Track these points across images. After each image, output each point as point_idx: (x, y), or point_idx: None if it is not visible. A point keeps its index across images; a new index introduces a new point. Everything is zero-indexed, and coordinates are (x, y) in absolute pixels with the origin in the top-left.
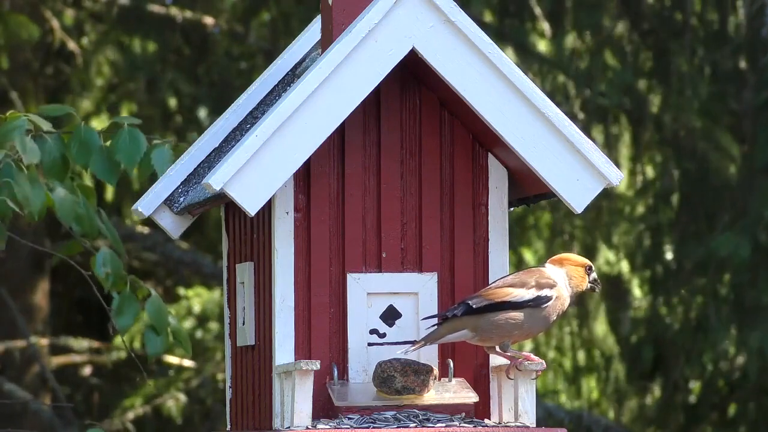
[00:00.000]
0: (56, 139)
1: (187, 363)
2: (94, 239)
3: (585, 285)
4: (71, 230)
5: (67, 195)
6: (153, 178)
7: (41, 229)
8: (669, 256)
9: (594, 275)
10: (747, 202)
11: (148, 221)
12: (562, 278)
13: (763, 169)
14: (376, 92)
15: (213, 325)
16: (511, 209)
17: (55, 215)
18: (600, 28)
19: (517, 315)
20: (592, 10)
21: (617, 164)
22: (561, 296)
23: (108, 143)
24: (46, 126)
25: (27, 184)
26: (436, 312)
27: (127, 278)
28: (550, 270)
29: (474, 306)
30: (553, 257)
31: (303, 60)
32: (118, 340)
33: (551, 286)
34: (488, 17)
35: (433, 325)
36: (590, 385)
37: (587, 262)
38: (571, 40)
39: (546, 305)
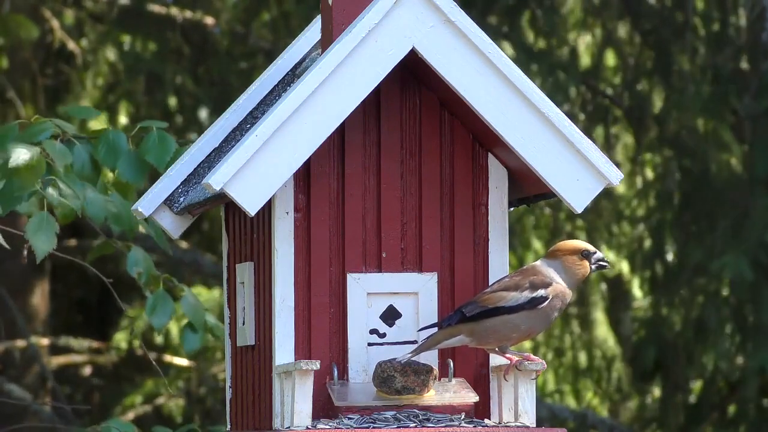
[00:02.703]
0: (84, 142)
1: (187, 363)
2: (133, 237)
3: (587, 270)
4: (100, 230)
5: (97, 195)
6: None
7: None
8: (670, 257)
9: (597, 255)
10: (746, 220)
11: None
12: (558, 272)
13: (761, 180)
14: (376, 92)
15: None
16: (511, 209)
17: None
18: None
19: (513, 319)
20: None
21: (617, 164)
22: (559, 293)
23: (135, 146)
24: (71, 130)
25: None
26: (435, 312)
27: (161, 277)
28: (545, 266)
29: (467, 314)
30: (549, 250)
31: (303, 60)
32: (117, 338)
33: (546, 285)
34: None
35: (431, 335)
36: (588, 387)
37: (581, 246)
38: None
39: (542, 306)
